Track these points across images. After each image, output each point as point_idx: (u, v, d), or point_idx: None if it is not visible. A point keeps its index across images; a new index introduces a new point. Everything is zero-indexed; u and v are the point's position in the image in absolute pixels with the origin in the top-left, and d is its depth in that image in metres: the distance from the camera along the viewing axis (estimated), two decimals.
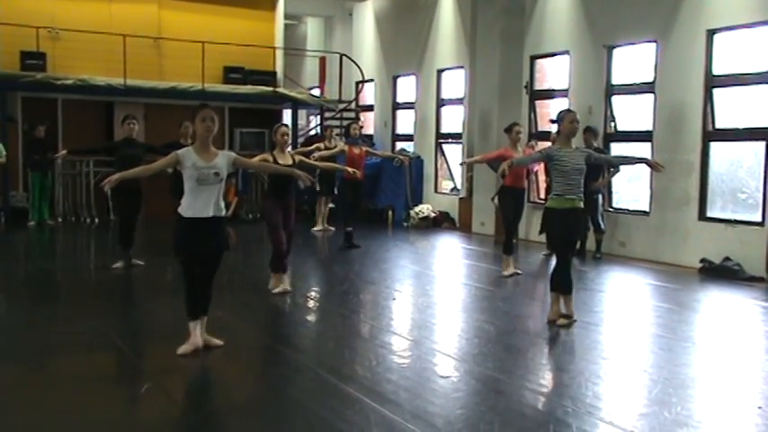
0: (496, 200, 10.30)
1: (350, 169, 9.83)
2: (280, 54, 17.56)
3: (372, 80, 18.22)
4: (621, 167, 10.99)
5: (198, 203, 5.81)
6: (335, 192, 14.05)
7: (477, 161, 11.20)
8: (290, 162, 8.22)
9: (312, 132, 18.26)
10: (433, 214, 15.41)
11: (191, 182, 5.80)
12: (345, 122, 16.84)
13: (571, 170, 7.00)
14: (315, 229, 14.11)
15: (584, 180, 7.23)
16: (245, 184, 15.55)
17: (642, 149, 11.46)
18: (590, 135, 11.11)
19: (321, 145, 12.99)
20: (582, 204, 7.17)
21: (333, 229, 13.94)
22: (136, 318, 7.64)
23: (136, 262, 9.85)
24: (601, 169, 10.73)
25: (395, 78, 17.64)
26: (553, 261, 7.65)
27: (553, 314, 7.19)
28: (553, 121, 7.29)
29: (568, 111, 7.34)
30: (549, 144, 12.25)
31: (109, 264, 9.82)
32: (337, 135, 15.21)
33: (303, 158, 8.61)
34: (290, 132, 8.82)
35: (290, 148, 8.50)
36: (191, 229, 5.82)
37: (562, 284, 7.14)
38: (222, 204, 5.96)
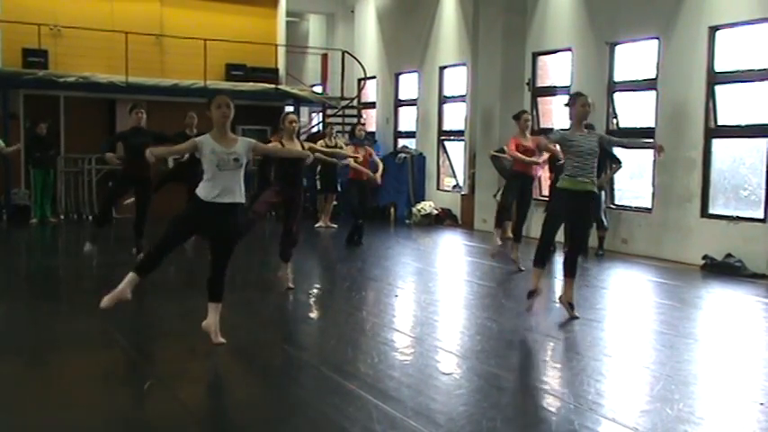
0: (499, 195, 10.27)
1: (352, 159, 9.81)
2: (282, 51, 17.54)
3: (374, 77, 18.20)
4: (623, 164, 11.03)
5: (217, 189, 5.82)
6: (338, 188, 14.05)
7: (504, 156, 10.83)
8: (300, 149, 8.18)
9: (314, 130, 18.26)
10: (436, 211, 15.41)
11: (211, 168, 5.82)
12: (347, 120, 16.87)
13: (585, 152, 7.02)
14: (317, 225, 14.13)
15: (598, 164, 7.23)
16: (247, 182, 15.51)
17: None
18: None
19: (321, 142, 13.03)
20: (594, 188, 7.18)
21: (335, 226, 13.95)
22: (138, 315, 7.63)
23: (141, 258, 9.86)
24: (604, 165, 10.71)
25: (397, 75, 17.63)
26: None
27: (533, 285, 7.23)
28: (565, 105, 7.28)
29: (579, 94, 7.29)
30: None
31: (112, 261, 9.84)
32: (339, 133, 15.21)
33: (313, 145, 8.69)
34: (298, 119, 8.85)
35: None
36: (202, 210, 5.83)
37: (570, 268, 7.17)
38: (243, 190, 5.96)
